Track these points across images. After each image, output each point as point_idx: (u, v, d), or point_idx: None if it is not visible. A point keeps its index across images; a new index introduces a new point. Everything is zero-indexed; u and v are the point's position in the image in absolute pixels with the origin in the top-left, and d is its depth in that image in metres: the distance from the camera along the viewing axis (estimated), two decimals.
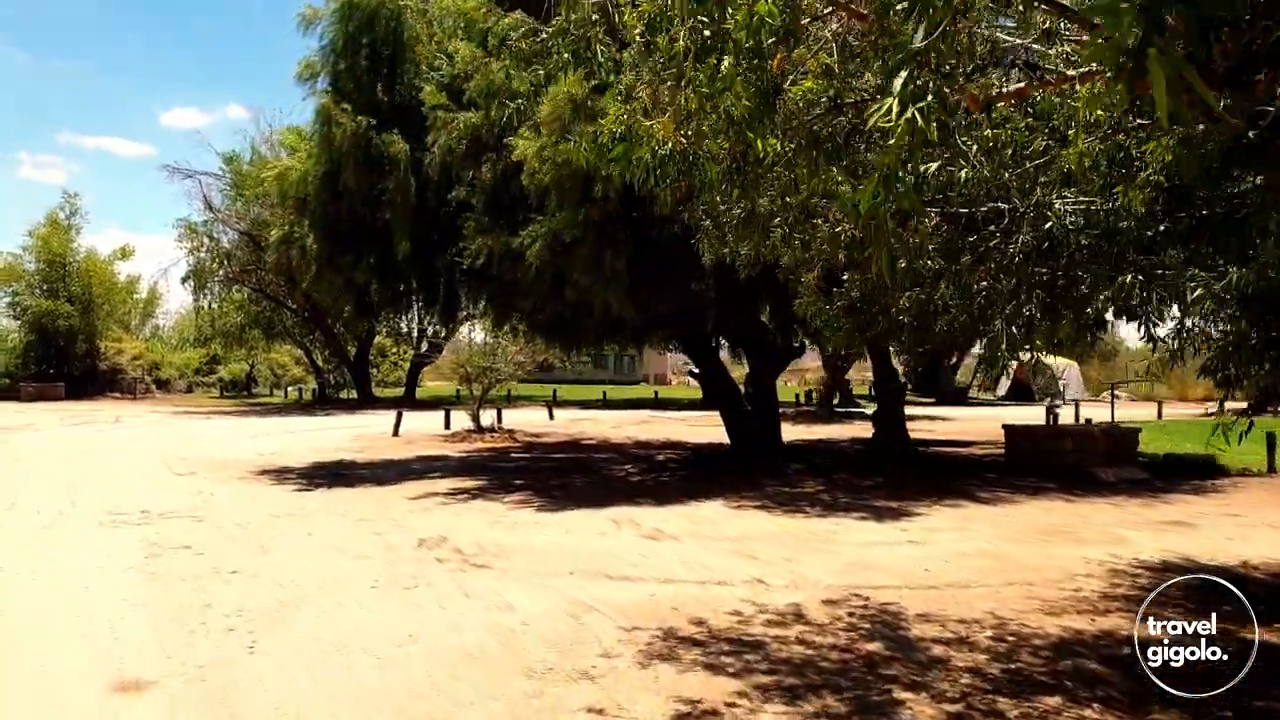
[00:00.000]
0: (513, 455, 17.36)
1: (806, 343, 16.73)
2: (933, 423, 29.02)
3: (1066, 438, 13.22)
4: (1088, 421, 16.10)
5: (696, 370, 42.97)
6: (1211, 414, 30.50)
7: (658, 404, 37.96)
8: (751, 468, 13.71)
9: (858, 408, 36.33)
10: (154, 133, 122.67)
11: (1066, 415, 25.73)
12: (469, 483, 13.08)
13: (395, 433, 21.41)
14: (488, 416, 21.85)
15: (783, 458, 14.33)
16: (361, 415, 30.13)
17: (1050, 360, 49.91)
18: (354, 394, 40.01)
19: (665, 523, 9.50)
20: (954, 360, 46.97)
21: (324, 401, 39.45)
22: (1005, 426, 14.68)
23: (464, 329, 27.14)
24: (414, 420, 25.40)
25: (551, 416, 27.85)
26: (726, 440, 20.07)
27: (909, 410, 37.87)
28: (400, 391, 41.81)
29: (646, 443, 20.22)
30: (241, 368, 54.21)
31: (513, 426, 23.05)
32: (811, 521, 9.62)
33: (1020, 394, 47.86)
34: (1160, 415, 25.75)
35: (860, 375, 49.73)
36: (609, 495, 11.61)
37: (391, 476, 13.96)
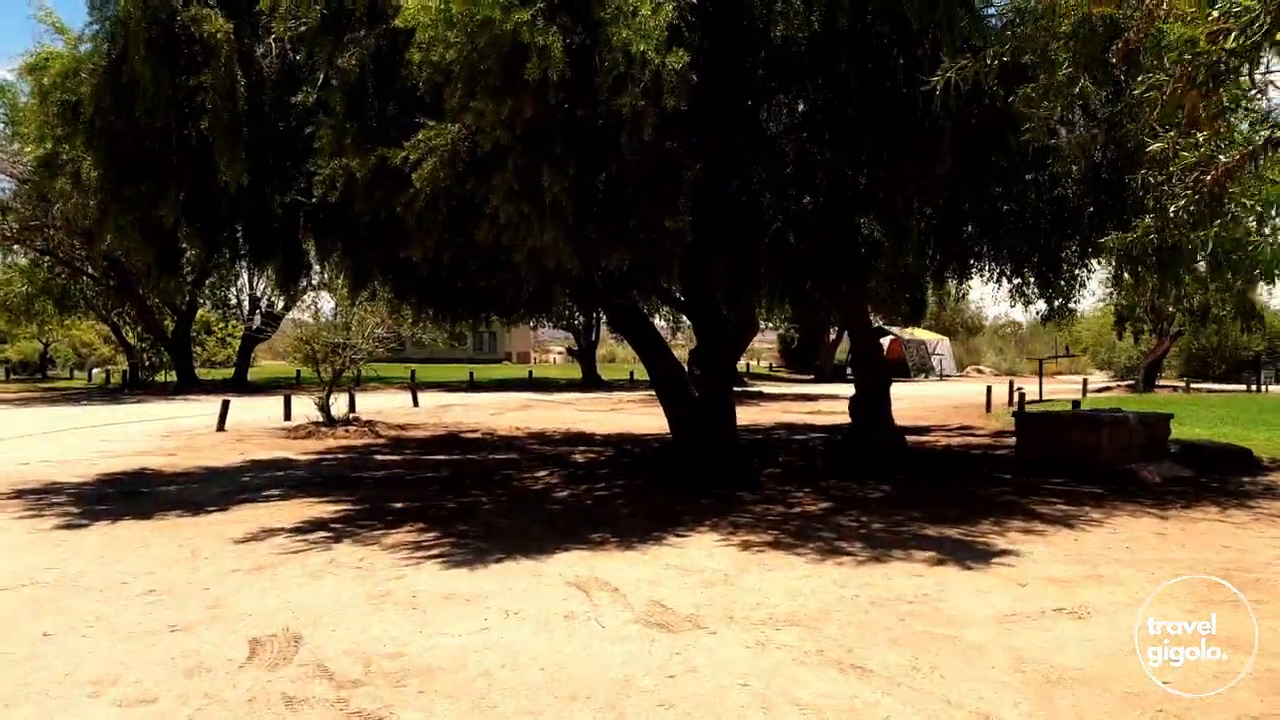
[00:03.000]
0: (379, 458, 13.35)
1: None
2: (836, 401, 26.71)
3: (1101, 429, 10.60)
4: (1077, 405, 13.77)
5: (575, 348, 39.61)
6: (1103, 390, 29.79)
7: (533, 385, 34.19)
8: (711, 473, 10.36)
9: (752, 388, 33.88)
10: None
11: (964, 389, 23.73)
12: (326, 508, 9.12)
13: (220, 426, 16.88)
14: (340, 405, 17.59)
15: (741, 458, 11.08)
16: (181, 403, 24.98)
17: (922, 335, 49.47)
18: (173, 376, 34.08)
19: (659, 587, 6.00)
20: (833, 337, 45.38)
21: (136, 386, 33.43)
22: (1018, 414, 12.05)
23: (308, 297, 22.48)
24: (246, 409, 20.78)
25: (416, 402, 23.65)
26: (640, 431, 16.75)
27: (793, 389, 35.80)
28: (230, 373, 36.14)
29: (545, 435, 16.56)
30: (34, 347, 46.62)
31: (371, 416, 18.85)
32: (871, 573, 6.36)
33: (892, 370, 46.88)
34: (1085, 392, 24.36)
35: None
36: (543, 528, 7.98)
37: (211, 497, 9.80)
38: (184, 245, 12.03)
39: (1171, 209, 4.23)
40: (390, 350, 19.09)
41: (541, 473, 11.50)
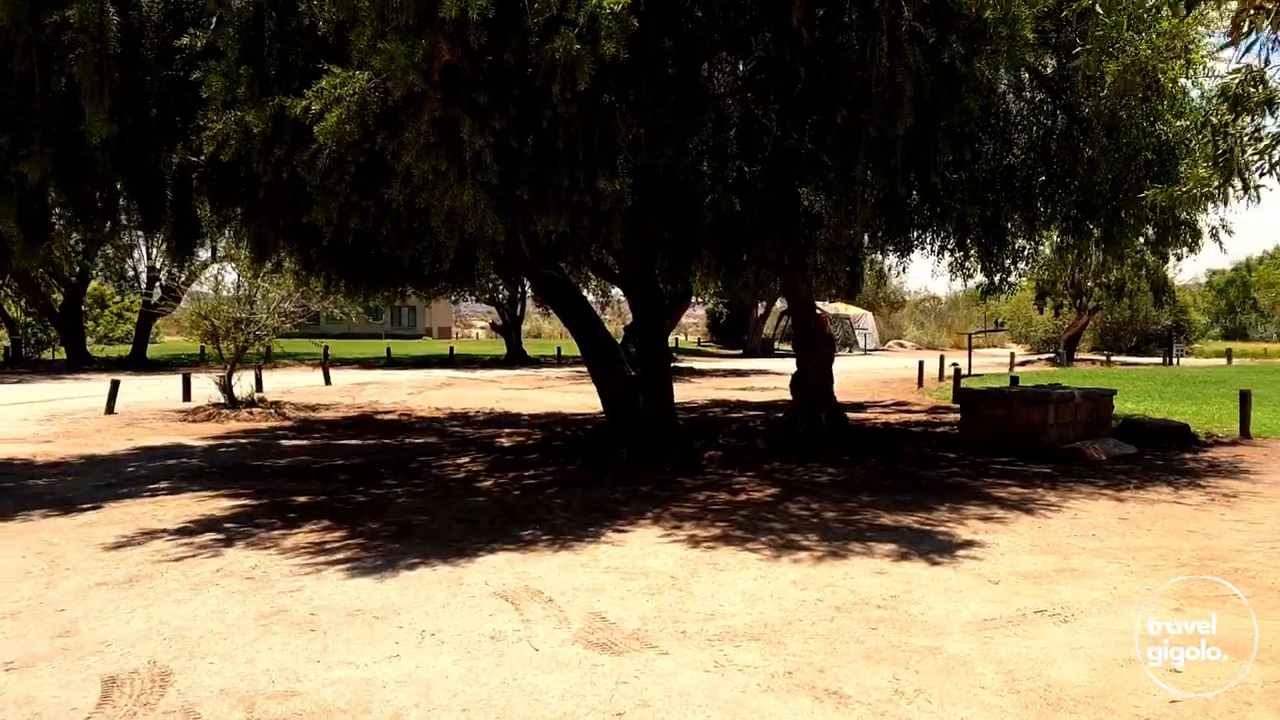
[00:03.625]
0: (284, 443, 12.30)
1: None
2: (768, 377, 26.46)
3: (1048, 407, 10.26)
4: (1015, 381, 13.53)
5: (499, 322, 38.46)
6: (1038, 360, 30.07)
7: (455, 362, 33.03)
8: (647, 456, 9.72)
9: (682, 363, 33.35)
10: None
11: (883, 361, 23.68)
12: (219, 503, 8.14)
13: (110, 408, 15.51)
14: (243, 385, 16.35)
15: (681, 440, 10.44)
16: (70, 382, 23.19)
17: (847, 309, 49.75)
18: (62, 354, 31.84)
19: (599, 595, 5.29)
20: (760, 312, 45.23)
21: (19, 363, 31.11)
22: (963, 391, 11.68)
23: (213, 269, 20.98)
24: (141, 389, 19.34)
25: (328, 381, 22.39)
26: (570, 410, 16.02)
27: (724, 364, 35.43)
28: (128, 350, 34.01)
29: (467, 416, 15.65)
30: None
31: (279, 397, 17.66)
32: (832, 571, 5.77)
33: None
34: (1013, 366, 24.48)
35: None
36: (465, 526, 7.18)
37: (86, 493, 8.70)
38: (56, 209, 10.80)
39: (1251, 151, 3.66)
40: (298, 326, 17.87)
41: (464, 459, 10.66)
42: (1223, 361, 31.12)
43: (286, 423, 14.56)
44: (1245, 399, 11.65)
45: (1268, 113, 3.50)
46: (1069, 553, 6.17)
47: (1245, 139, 3.79)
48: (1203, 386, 19.16)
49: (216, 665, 4.27)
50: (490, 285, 28.06)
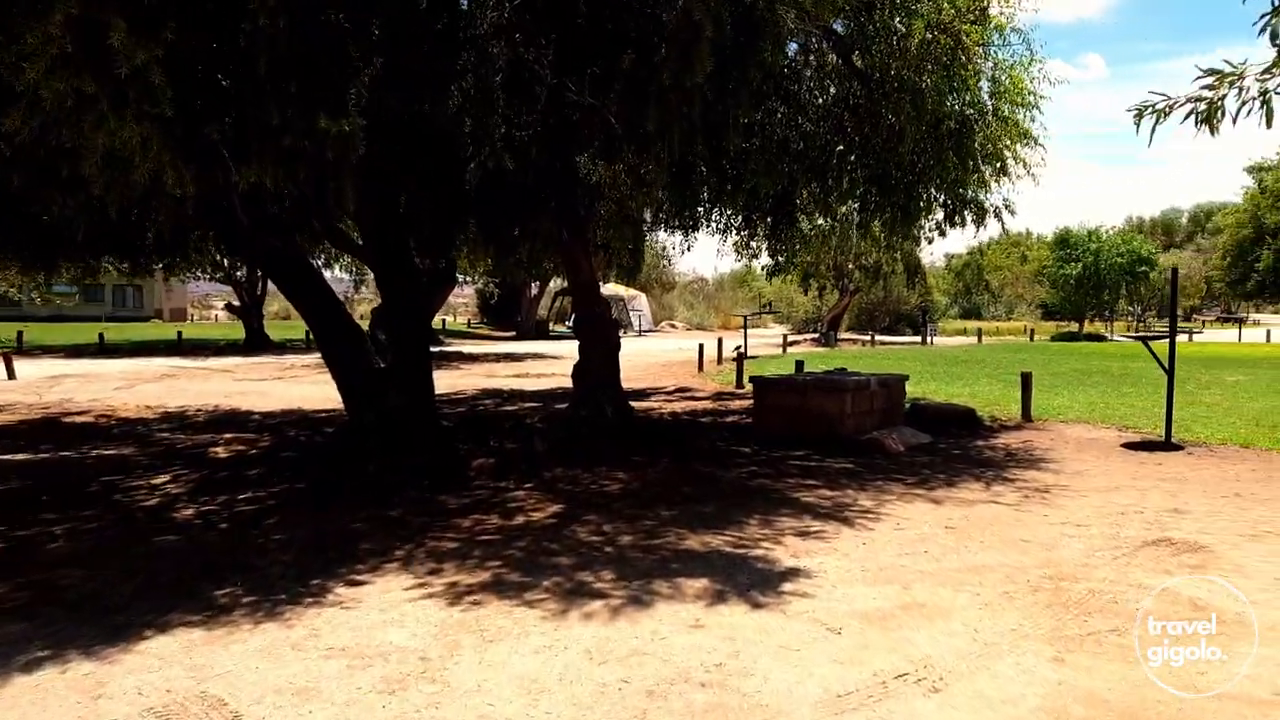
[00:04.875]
0: None
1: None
2: (544, 361, 25.22)
3: (845, 396, 9.60)
4: (800, 366, 12.94)
5: (237, 303, 34.44)
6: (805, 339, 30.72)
7: (182, 348, 29.07)
8: (401, 467, 8.03)
9: (450, 347, 31.31)
10: None
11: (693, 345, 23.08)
12: None
13: None
14: None
15: (443, 445, 8.83)
16: None
17: (621, 290, 49.42)
18: None
19: (314, 700, 3.67)
20: (534, 292, 43.86)
21: None
22: (754, 378, 10.80)
23: None
24: None
25: (12, 375, 18.53)
26: (313, 406, 13.87)
27: (496, 347, 33.73)
28: None
29: (184, 417, 13.06)
30: None
31: None
32: (636, 628, 4.48)
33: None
34: (785, 348, 24.57)
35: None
36: (140, 582, 5.23)
37: None
38: None
39: None
40: None
41: (163, 477, 8.43)
42: (972, 340, 33.27)
43: None
44: (1027, 382, 11.69)
45: None
46: (908, 580, 5.24)
47: None
48: (968, 366, 19.88)
49: None
50: (221, 260, 24.66)
